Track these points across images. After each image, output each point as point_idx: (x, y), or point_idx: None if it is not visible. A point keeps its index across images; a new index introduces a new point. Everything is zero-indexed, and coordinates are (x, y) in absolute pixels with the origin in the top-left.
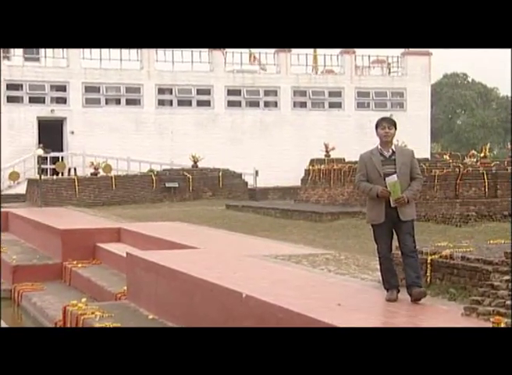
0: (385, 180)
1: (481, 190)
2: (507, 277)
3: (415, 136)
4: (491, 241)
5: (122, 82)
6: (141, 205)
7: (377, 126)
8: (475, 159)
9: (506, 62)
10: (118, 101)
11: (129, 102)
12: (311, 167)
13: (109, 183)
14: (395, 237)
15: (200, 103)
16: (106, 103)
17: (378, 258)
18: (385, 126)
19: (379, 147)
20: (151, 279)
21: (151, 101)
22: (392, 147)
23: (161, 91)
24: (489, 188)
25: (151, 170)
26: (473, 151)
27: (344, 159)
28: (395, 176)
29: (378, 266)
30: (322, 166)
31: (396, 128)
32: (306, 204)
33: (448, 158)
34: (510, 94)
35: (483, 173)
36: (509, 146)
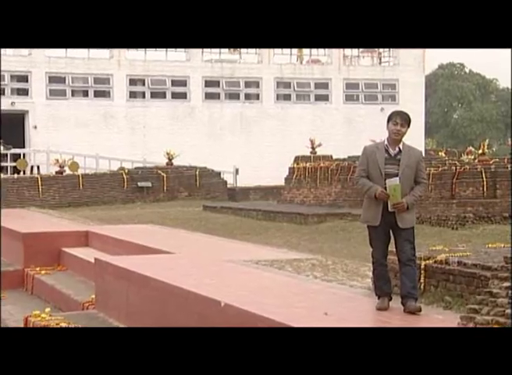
0: (385, 180)
1: (479, 189)
2: (507, 284)
3: (408, 131)
4: (489, 245)
5: (89, 72)
6: (111, 207)
7: (389, 119)
8: (473, 156)
9: (506, 52)
10: (85, 93)
11: (97, 94)
12: (295, 165)
13: (76, 182)
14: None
15: (175, 95)
16: (72, 95)
17: (371, 263)
18: (398, 122)
19: (386, 142)
20: (122, 286)
21: (121, 93)
22: (400, 145)
23: (132, 81)
24: (488, 188)
25: (122, 168)
26: (470, 148)
27: (331, 156)
28: (397, 178)
29: (371, 271)
30: (308, 164)
31: (409, 125)
32: (290, 205)
33: (443, 155)
34: (510, 86)
35: (481, 172)
36: (509, 142)
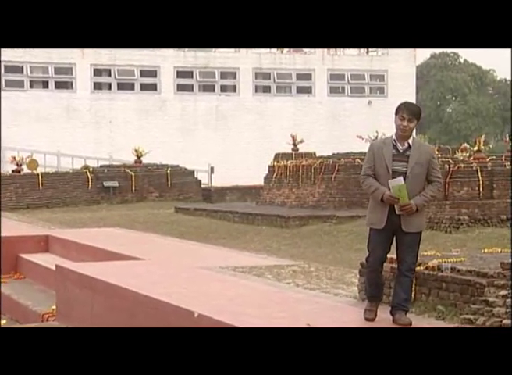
0: (388, 180)
1: (474, 190)
2: (504, 292)
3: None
4: (486, 250)
5: (50, 61)
6: (74, 208)
7: (396, 113)
8: (468, 154)
9: None
10: (45, 85)
11: (58, 86)
12: (275, 163)
13: (35, 182)
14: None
15: (144, 87)
16: (31, 86)
17: (366, 268)
18: (405, 117)
19: (394, 137)
20: (86, 296)
21: (85, 85)
22: (410, 140)
23: (97, 72)
24: (484, 188)
25: (86, 167)
26: (465, 145)
27: (315, 154)
28: (400, 178)
29: (363, 276)
30: (289, 162)
31: (419, 119)
32: (270, 206)
33: (436, 152)
34: (509, 78)
35: (477, 170)
36: (507, 138)
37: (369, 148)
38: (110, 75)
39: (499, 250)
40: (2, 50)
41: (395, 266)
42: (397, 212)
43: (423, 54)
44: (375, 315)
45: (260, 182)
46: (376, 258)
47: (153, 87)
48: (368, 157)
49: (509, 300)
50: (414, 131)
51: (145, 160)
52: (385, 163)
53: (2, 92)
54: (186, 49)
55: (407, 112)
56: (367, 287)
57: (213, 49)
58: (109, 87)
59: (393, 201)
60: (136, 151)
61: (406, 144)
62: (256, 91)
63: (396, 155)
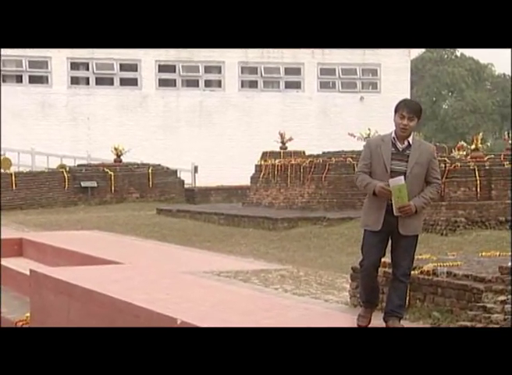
0: (390, 179)
1: (471, 190)
2: (503, 298)
3: (391, 123)
4: (483, 253)
5: (23, 54)
6: (50, 210)
7: (396, 111)
8: (465, 152)
9: None
10: (19, 79)
11: (33, 80)
12: (263, 162)
13: (8, 182)
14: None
15: (124, 82)
16: (4, 81)
17: (360, 272)
18: (405, 115)
19: (393, 135)
20: (62, 302)
21: (61, 79)
22: (410, 139)
23: (74, 65)
24: (482, 188)
25: (63, 166)
26: (462, 143)
27: (304, 152)
28: (401, 178)
29: (358, 281)
30: (277, 161)
31: (420, 117)
32: (257, 208)
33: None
34: (508, 72)
35: (474, 170)
36: (506, 136)
37: (366, 145)
38: (88, 69)
39: (498, 253)
40: None
41: (388, 270)
42: (395, 214)
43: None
44: (369, 321)
45: (246, 182)
46: (371, 262)
47: (133, 82)
48: (364, 154)
49: (508, 306)
50: None
51: (125, 159)
52: (383, 162)
53: None
54: None
55: (407, 110)
56: (361, 293)
57: None
58: (87, 81)
59: (386, 194)
60: (115, 149)
61: (406, 143)
62: (242, 86)
63: (395, 154)
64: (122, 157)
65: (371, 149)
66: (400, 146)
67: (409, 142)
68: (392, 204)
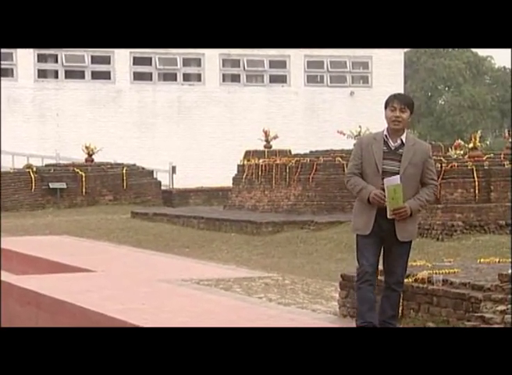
0: (383, 179)
1: (469, 192)
2: (503, 307)
3: (383, 120)
4: (482, 260)
5: None
6: (15, 214)
7: (386, 106)
8: (462, 151)
9: None
10: None
11: None
12: (245, 162)
13: None
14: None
15: (96, 75)
16: None
17: (356, 281)
18: (396, 107)
19: (385, 132)
20: (30, 314)
21: (27, 72)
22: (403, 137)
23: (41, 57)
24: (480, 190)
25: (29, 166)
26: (459, 141)
27: (290, 151)
28: (397, 177)
29: (355, 293)
30: (261, 161)
31: (412, 110)
32: (239, 211)
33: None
34: (508, 65)
35: (472, 170)
36: (506, 133)
37: (356, 144)
38: (56, 61)
39: (497, 260)
40: None
41: (380, 278)
42: (389, 216)
43: None
44: None
45: (228, 183)
46: (367, 268)
47: (106, 76)
48: (354, 153)
49: (508, 316)
50: None
51: (97, 158)
52: (374, 161)
53: None
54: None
55: (398, 102)
56: (359, 308)
57: None
58: (56, 74)
59: (379, 202)
60: (86, 148)
61: (398, 141)
62: (223, 80)
63: (387, 153)
64: (93, 156)
65: (362, 148)
66: (392, 144)
67: (402, 140)
68: (385, 207)
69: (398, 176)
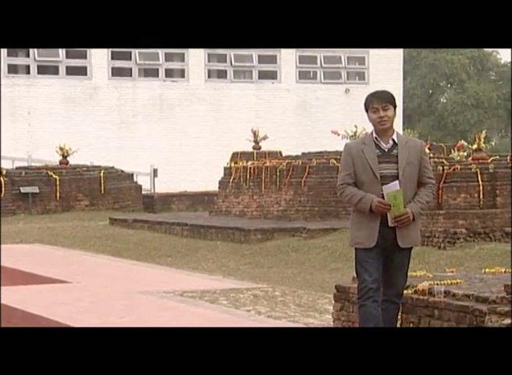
0: (382, 185)
1: (473, 197)
2: (508, 321)
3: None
4: (487, 270)
5: None
6: None
7: (366, 109)
8: (466, 153)
9: None
10: None
11: None
12: (233, 164)
13: None
14: None
15: (71, 71)
16: None
17: (358, 298)
18: (378, 107)
19: (374, 135)
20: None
21: None
22: (394, 136)
23: (12, 52)
24: (485, 194)
25: None
26: (462, 142)
27: (281, 153)
28: (396, 183)
29: (357, 312)
30: (249, 163)
31: (395, 105)
32: (226, 217)
33: (427, 151)
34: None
35: (477, 173)
36: None
37: (345, 151)
38: (28, 56)
39: (503, 270)
40: None
41: None
42: (390, 224)
43: None
44: None
45: (214, 188)
46: (370, 284)
47: (82, 71)
48: (345, 162)
49: None
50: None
51: (72, 161)
52: (369, 167)
53: None
54: None
55: (379, 101)
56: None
57: None
58: (27, 70)
59: (385, 210)
60: (61, 149)
61: (390, 142)
62: (209, 76)
63: (381, 156)
64: (68, 158)
65: (353, 155)
66: (384, 146)
67: (394, 140)
68: (386, 214)
69: (397, 181)
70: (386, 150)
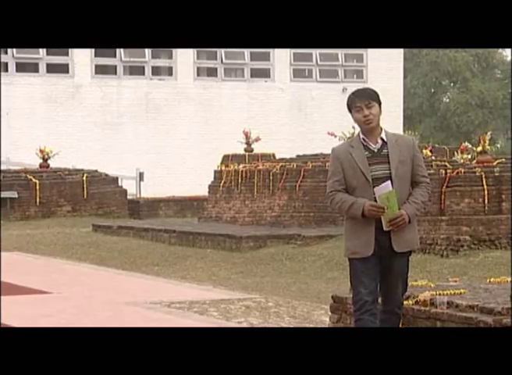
0: (374, 188)
1: (478, 202)
2: None
3: (381, 120)
4: (492, 279)
5: None
6: None
7: (350, 108)
8: (470, 156)
9: None
10: None
11: None
12: (223, 167)
13: None
14: None
15: (52, 68)
16: None
17: (354, 311)
18: (362, 106)
19: (362, 136)
20: None
21: None
22: (383, 134)
23: None
24: (490, 199)
25: None
26: (466, 144)
27: (274, 155)
28: (388, 183)
29: (354, 325)
30: (241, 166)
31: (379, 102)
32: (216, 224)
33: (429, 153)
34: None
35: (481, 177)
36: None
37: (332, 157)
38: (6, 52)
39: (509, 279)
40: None
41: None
42: (385, 229)
43: None
44: None
45: (203, 192)
46: (366, 296)
47: (64, 69)
48: (333, 168)
49: None
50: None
51: (53, 164)
52: (360, 171)
53: None
54: None
55: (360, 100)
56: None
57: None
58: (5, 68)
59: (378, 213)
60: (41, 151)
61: (379, 141)
62: (198, 74)
63: (371, 158)
64: (49, 161)
65: (341, 160)
66: (373, 147)
67: (383, 139)
68: (380, 219)
69: (388, 182)
70: (376, 150)
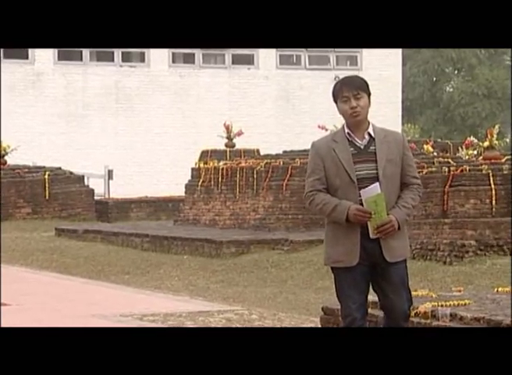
0: (360, 189)
1: (484, 203)
2: None
3: (378, 112)
4: (499, 289)
5: None
6: None
7: (335, 98)
8: (476, 151)
9: None
10: None
11: None
12: (202, 165)
13: None
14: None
15: (10, 54)
16: None
17: (343, 326)
18: (349, 96)
19: (347, 130)
20: None
21: None
22: (370, 129)
23: None
24: (498, 200)
25: None
26: (472, 138)
27: (258, 151)
28: (377, 185)
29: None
30: (222, 163)
31: (369, 93)
32: (194, 227)
33: (431, 149)
34: None
35: (488, 175)
36: None
37: (312, 153)
38: None
39: None
40: None
41: (373, 311)
42: (371, 236)
43: None
44: None
45: (180, 192)
46: (355, 313)
47: (23, 54)
48: (312, 166)
49: None
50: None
51: (11, 160)
52: (343, 169)
53: None
54: None
55: (348, 89)
56: None
57: None
58: None
59: (364, 218)
60: None
61: (366, 137)
62: (174, 61)
63: (356, 155)
64: (6, 157)
65: (322, 156)
66: (359, 142)
67: (370, 134)
68: (367, 225)
69: (377, 183)
70: (362, 147)
